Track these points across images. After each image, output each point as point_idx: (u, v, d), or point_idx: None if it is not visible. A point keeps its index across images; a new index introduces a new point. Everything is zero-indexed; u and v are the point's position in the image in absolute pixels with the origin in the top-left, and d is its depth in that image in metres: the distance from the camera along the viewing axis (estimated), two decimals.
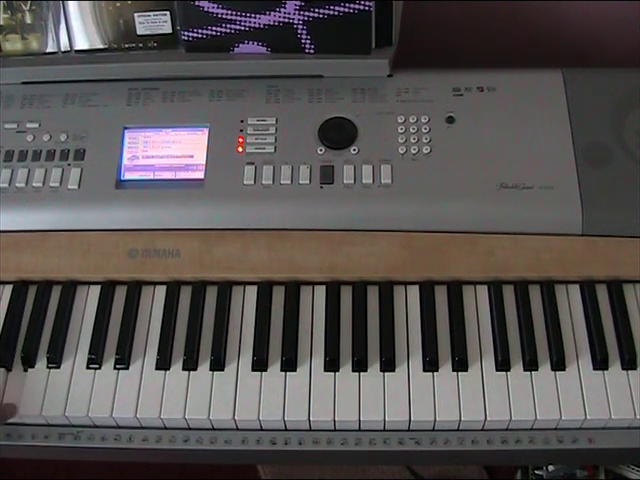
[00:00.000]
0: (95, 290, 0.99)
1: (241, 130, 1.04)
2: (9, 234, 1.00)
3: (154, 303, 0.98)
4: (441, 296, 0.96)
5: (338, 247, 0.97)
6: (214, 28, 1.03)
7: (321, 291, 0.97)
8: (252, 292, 0.97)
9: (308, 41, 1.03)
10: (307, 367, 0.92)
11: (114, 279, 0.99)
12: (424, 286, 0.96)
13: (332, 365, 0.92)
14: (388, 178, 0.99)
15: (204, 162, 1.02)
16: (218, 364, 0.92)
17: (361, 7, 1.00)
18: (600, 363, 0.91)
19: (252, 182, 1.00)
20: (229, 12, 1.02)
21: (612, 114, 1.02)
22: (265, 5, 1.01)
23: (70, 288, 0.99)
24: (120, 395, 0.91)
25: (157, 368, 0.93)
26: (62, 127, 1.05)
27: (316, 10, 1.01)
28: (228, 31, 1.03)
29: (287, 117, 1.04)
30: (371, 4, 0.99)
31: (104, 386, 0.92)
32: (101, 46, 1.06)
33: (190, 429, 0.92)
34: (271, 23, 1.02)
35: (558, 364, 0.91)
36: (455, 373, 0.91)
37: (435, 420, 0.89)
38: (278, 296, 0.97)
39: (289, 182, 1.00)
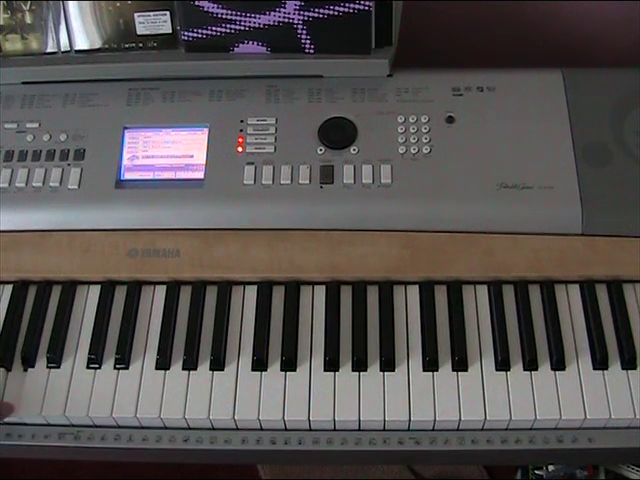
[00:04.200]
0: (95, 290, 0.99)
1: (241, 130, 1.04)
2: (9, 234, 1.00)
3: (154, 303, 0.98)
4: (441, 296, 0.96)
5: (338, 247, 0.97)
6: (214, 28, 1.03)
7: (321, 291, 0.97)
8: (252, 292, 0.97)
9: (308, 41, 1.03)
10: (307, 367, 0.92)
11: (114, 279, 0.99)
12: (424, 286, 0.96)
13: (332, 365, 0.92)
14: (388, 178, 0.99)
15: (204, 162, 1.02)
16: (218, 364, 0.92)
17: (361, 7, 1.00)
18: (600, 363, 0.91)
19: (252, 182, 1.00)
20: (229, 12, 1.02)
21: (612, 114, 1.02)
22: (265, 5, 1.01)
23: (70, 288, 0.99)
24: (120, 395, 0.91)
25: (157, 368, 0.93)
26: (62, 127, 1.05)
27: (316, 10, 1.01)
28: (228, 31, 1.03)
29: (287, 117, 1.04)
30: (371, 4, 0.99)
31: (104, 386, 0.92)
32: (101, 46, 1.06)
33: (190, 429, 0.92)
34: (271, 23, 1.02)
35: (558, 364, 0.91)
36: (455, 373, 0.91)
37: (435, 420, 0.89)
38: (278, 296, 0.97)
39: (289, 182, 1.00)
